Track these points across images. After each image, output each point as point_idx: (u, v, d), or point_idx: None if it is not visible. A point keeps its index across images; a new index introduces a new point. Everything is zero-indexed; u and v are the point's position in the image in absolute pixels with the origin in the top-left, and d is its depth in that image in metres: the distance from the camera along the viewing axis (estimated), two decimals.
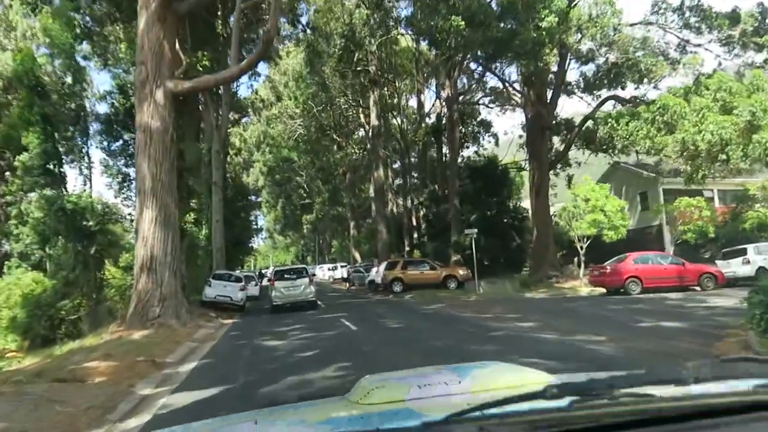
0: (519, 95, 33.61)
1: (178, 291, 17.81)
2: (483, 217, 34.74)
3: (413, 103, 55.37)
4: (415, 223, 45.79)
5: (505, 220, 34.83)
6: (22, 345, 18.62)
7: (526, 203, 38.20)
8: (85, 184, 18.65)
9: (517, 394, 1.29)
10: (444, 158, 44.40)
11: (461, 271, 29.49)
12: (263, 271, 66.93)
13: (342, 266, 60.65)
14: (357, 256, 58.81)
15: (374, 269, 36.36)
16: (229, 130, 49.84)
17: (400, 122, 47.03)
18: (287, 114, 57.51)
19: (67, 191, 17.88)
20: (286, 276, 24.23)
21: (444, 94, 37.98)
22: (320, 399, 2.14)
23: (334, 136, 55.67)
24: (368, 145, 55.92)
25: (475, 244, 34.66)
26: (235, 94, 41.81)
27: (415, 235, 45.78)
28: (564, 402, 1.23)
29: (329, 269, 62.09)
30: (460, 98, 39.52)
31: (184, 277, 20.67)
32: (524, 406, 1.24)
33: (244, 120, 79.93)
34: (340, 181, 66.61)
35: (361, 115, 53.12)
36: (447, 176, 43.61)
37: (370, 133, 40.84)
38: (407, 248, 45.00)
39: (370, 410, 1.60)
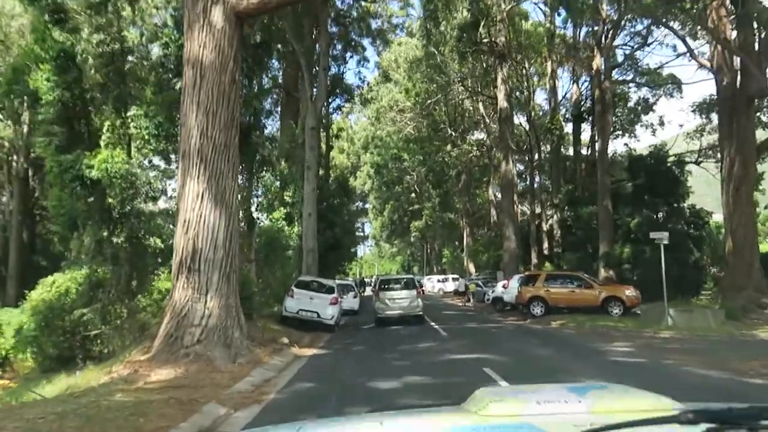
0: (707, 58, 24.94)
1: (232, 303, 11.64)
2: (647, 223, 26.30)
3: (539, 98, 47.39)
4: (545, 231, 37.70)
5: (679, 227, 26.16)
6: (37, 364, 13.55)
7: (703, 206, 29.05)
8: (124, 150, 13.33)
9: (650, 417, 1.24)
10: (588, 150, 36.10)
11: (628, 292, 21.37)
12: (366, 280, 61.09)
13: (454, 278, 53.40)
14: (471, 267, 51.32)
15: (500, 284, 28.91)
16: (333, 123, 44.67)
17: (528, 111, 39.33)
18: (397, 108, 51.46)
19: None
20: (392, 286, 21.44)
21: (593, 67, 29.96)
22: (436, 407, 2.06)
23: (449, 131, 48.78)
24: (487, 141, 48.58)
25: (635, 258, 26.43)
26: (339, 76, 36.24)
27: (546, 245, 37.68)
28: (700, 429, 1.18)
29: (439, 281, 54.99)
30: (614, 72, 31.24)
31: (254, 285, 14.70)
32: (659, 429, 1.20)
33: (350, 117, 75.52)
34: (452, 184, 59.58)
35: (481, 107, 45.86)
36: (588, 173, 35.33)
37: (497, 117, 33.46)
38: (534, 260, 37.06)
39: (490, 422, 1.57)
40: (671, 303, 23.45)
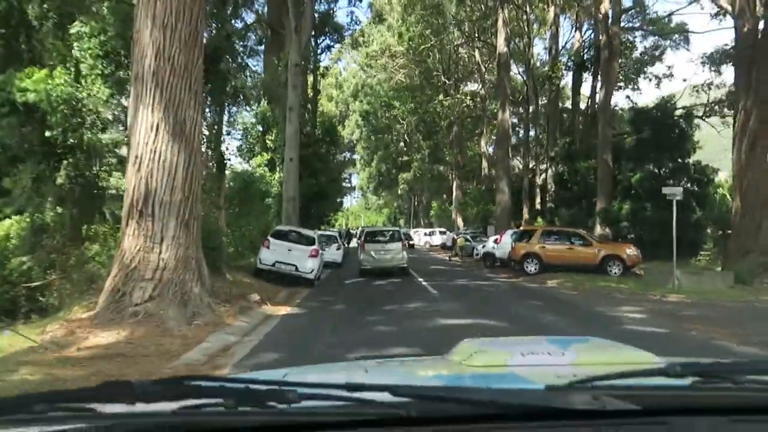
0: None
1: (191, 255, 9.96)
2: (650, 178, 24.82)
3: (536, 49, 45.07)
4: (539, 185, 36.16)
5: (682, 184, 24.70)
6: None
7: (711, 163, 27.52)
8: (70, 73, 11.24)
9: (636, 369, 1.26)
10: (589, 102, 34.24)
11: (629, 251, 19.99)
12: (352, 231, 59.64)
13: (441, 232, 52.05)
14: (459, 221, 49.97)
15: (491, 239, 27.51)
16: (321, 64, 42.12)
17: (527, 60, 37.13)
18: (389, 53, 48.90)
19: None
20: (377, 239, 21.23)
21: (601, 10, 27.81)
22: (420, 357, 2.16)
23: (443, 79, 46.49)
24: (482, 91, 46.43)
25: (634, 216, 25.00)
26: (329, 13, 33.72)
27: (538, 200, 36.22)
28: (686, 381, 1.19)
29: (426, 234, 53.67)
30: (623, 18, 29.09)
31: (224, 234, 12.97)
32: (645, 381, 1.20)
33: (339, 63, 72.39)
34: (443, 136, 57.64)
35: (477, 54, 43.51)
36: (587, 126, 33.63)
37: (496, 64, 31.37)
38: (526, 216, 35.69)
39: (475, 371, 1.58)
40: (664, 262, 22.28)
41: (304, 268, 15.59)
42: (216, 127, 11.90)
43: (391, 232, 22.31)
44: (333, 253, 23.69)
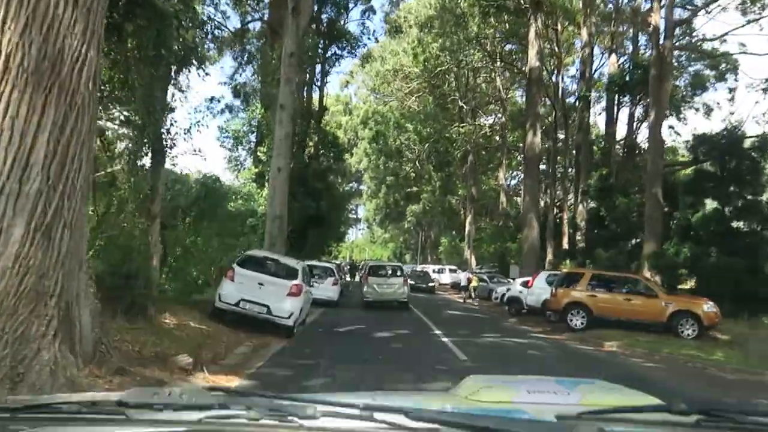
0: None
1: (52, 287, 5.50)
2: (713, 218, 20.32)
3: (565, 75, 41.15)
4: (567, 222, 31.63)
5: (755, 227, 20.20)
6: None
7: None
8: None
9: (646, 404, 1.32)
10: (629, 130, 29.99)
11: (706, 307, 15.30)
12: (356, 264, 54.83)
13: (452, 270, 47.35)
14: (472, 259, 45.34)
15: (517, 281, 22.89)
16: (328, 77, 38.23)
17: (555, 83, 33.11)
18: (402, 74, 45.16)
19: None
20: (380, 273, 21.66)
21: (651, 23, 23.78)
22: (425, 391, 2.12)
23: (460, 104, 42.54)
24: (502, 118, 42.39)
25: (693, 262, 20.39)
26: (337, 21, 29.94)
27: (565, 239, 31.66)
28: (690, 419, 1.18)
29: (435, 272, 48.86)
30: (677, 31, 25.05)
31: (153, 255, 8.44)
32: (653, 417, 1.20)
33: (348, 89, 68.91)
34: (456, 167, 53.49)
35: (498, 80, 39.62)
36: (627, 157, 29.36)
37: (527, 78, 27.26)
38: (550, 256, 31.13)
39: (482, 406, 1.54)
40: (739, 321, 17.60)
41: (280, 310, 11.04)
42: (147, 91, 8.01)
43: (393, 268, 22.89)
44: (326, 289, 19.14)
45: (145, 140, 8.22)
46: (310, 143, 30.26)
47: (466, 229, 46.79)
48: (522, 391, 1.67)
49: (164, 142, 8.83)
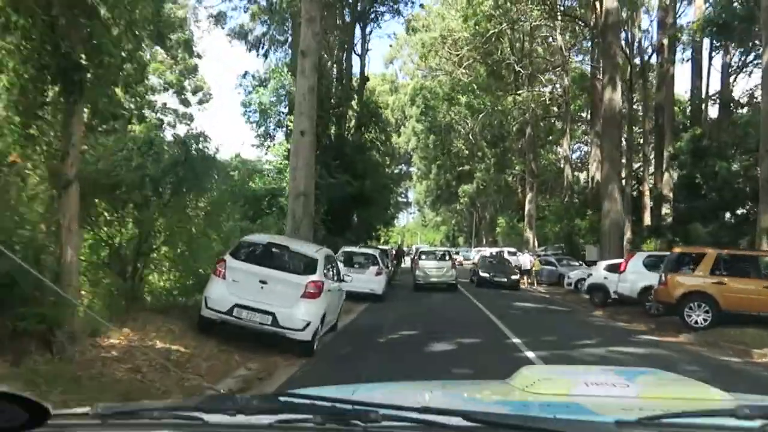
0: None
1: None
2: None
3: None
4: (650, 194, 26.96)
5: None
6: None
7: None
8: None
9: (705, 408, 1.24)
10: (727, 81, 25.02)
11: None
12: (405, 249, 51.26)
13: (510, 252, 43.03)
14: (532, 239, 40.95)
15: (600, 265, 18.69)
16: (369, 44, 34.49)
17: (632, 26, 28.21)
18: (451, 39, 40.88)
19: None
20: (430, 257, 22.61)
21: None
22: (481, 381, 2.08)
23: (517, 68, 37.99)
24: (566, 81, 37.56)
25: None
26: None
27: (647, 213, 27.04)
28: (756, 423, 1.13)
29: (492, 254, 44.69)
30: None
31: (42, 246, 5.15)
32: (715, 421, 1.17)
33: (394, 64, 64.88)
34: (512, 141, 48.91)
35: (559, 38, 34.86)
36: (722, 114, 24.47)
37: (601, 24, 22.74)
38: (628, 234, 26.66)
39: (539, 399, 1.54)
40: None
41: (291, 319, 7.51)
42: None
43: (442, 252, 24.09)
44: (369, 280, 15.62)
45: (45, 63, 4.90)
46: (351, 114, 26.75)
47: (526, 207, 42.30)
48: (580, 384, 1.61)
49: (82, 67, 5.42)
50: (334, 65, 25.76)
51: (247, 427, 1.13)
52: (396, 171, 79.22)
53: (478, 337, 10.15)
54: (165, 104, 51.04)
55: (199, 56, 41.58)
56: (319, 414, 1.11)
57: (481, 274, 23.58)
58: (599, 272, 17.96)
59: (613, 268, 17.52)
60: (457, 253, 40.94)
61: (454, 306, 16.44)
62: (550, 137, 50.54)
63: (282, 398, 1.22)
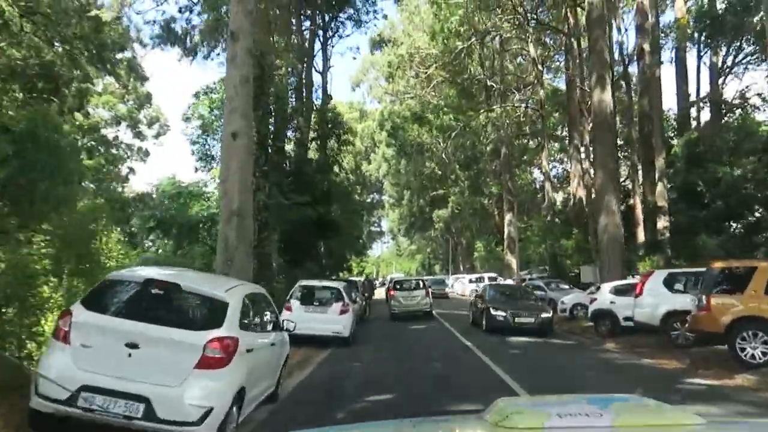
0: None
1: None
2: None
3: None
4: (641, 206, 24.46)
5: None
6: None
7: None
8: None
9: None
10: (716, 82, 22.98)
11: None
12: (373, 281, 48.02)
13: (491, 278, 40.24)
14: (513, 262, 38.29)
15: (605, 287, 15.87)
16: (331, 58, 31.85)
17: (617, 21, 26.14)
18: (419, 57, 38.72)
19: None
20: (404, 286, 22.39)
21: None
22: (455, 416, 2.11)
23: (489, 83, 35.85)
24: (541, 93, 35.44)
25: None
26: None
27: (640, 230, 24.52)
28: None
29: (472, 281, 41.87)
30: None
31: None
32: None
33: (362, 89, 62.64)
34: (485, 162, 46.68)
35: (531, 49, 32.81)
36: (714, 117, 22.39)
37: (586, 19, 20.50)
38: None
39: None
40: None
41: (177, 407, 4.44)
42: None
43: (416, 281, 23.66)
44: (330, 320, 12.51)
45: None
46: (312, 127, 23.93)
47: (505, 230, 39.73)
48: (553, 416, 1.56)
49: None
50: (291, 77, 22.99)
51: None
52: (368, 200, 76.74)
53: (477, 398, 7.11)
54: (116, 137, 47.70)
55: (144, 78, 38.32)
56: None
57: (493, 312, 15.28)
58: (604, 296, 15.16)
59: (622, 291, 14.79)
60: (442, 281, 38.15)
61: (437, 345, 13.40)
62: (525, 156, 48.53)
63: None
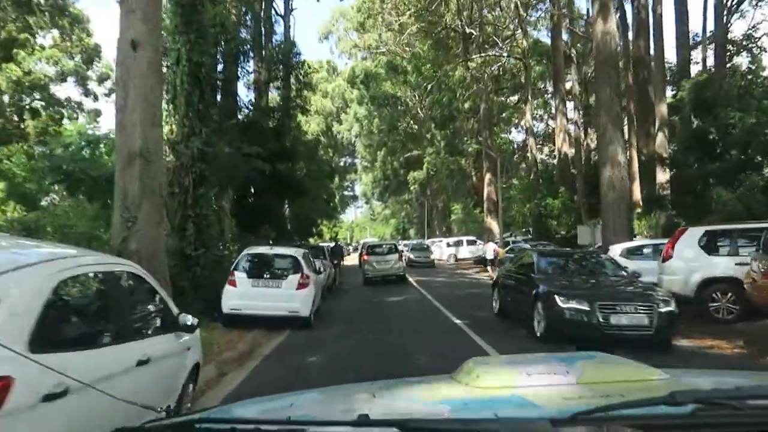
0: None
1: None
2: None
3: None
4: (635, 160, 22.12)
5: None
6: None
7: None
8: None
9: (641, 398, 1.18)
10: (721, 21, 20.43)
11: None
12: (348, 246, 45.36)
13: (470, 241, 37.97)
14: (494, 225, 36.01)
15: (612, 251, 13.46)
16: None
17: None
18: (391, 2, 35.36)
19: None
20: (377, 251, 21.85)
21: None
22: (427, 376, 2.01)
23: (467, 31, 32.79)
24: (524, 42, 32.57)
25: None
26: None
27: (636, 186, 22.24)
28: (687, 409, 1.14)
29: (449, 245, 39.59)
30: None
31: None
32: (647, 410, 1.15)
33: (330, 40, 58.80)
34: (462, 121, 43.92)
35: None
36: (718, 61, 19.96)
37: None
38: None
39: (481, 394, 1.53)
40: None
41: None
42: None
43: (389, 246, 22.91)
44: (288, 296, 9.80)
45: None
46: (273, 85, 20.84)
47: (485, 191, 37.27)
48: (522, 374, 1.62)
49: None
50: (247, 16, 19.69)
51: None
52: (341, 164, 73.50)
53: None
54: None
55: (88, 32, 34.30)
56: None
57: (565, 305, 8.02)
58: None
59: (635, 254, 12.41)
60: (426, 247, 34.97)
61: (421, 324, 10.83)
62: (504, 114, 45.87)
63: (199, 425, 1.09)
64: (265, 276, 10.08)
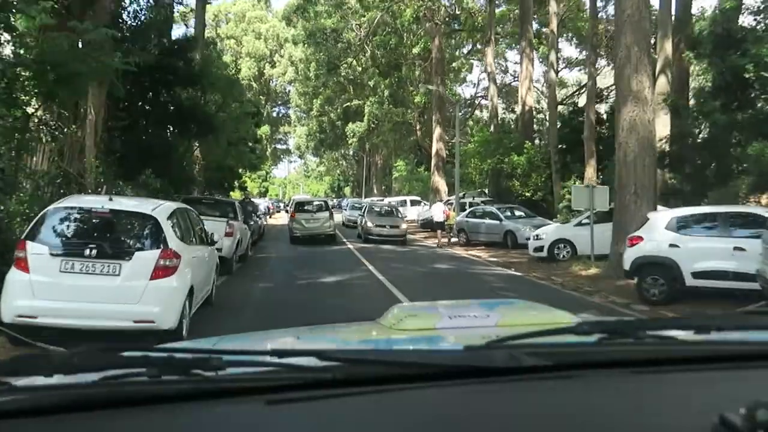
0: None
1: None
2: None
3: None
4: None
5: None
6: None
7: None
8: None
9: (549, 328, 1.24)
10: None
11: None
12: (285, 202, 40.23)
13: (414, 202, 33.73)
14: (442, 185, 31.86)
15: (653, 220, 9.30)
16: None
17: None
18: None
19: None
20: (306, 208, 20.70)
21: None
22: (352, 322, 1.99)
23: None
24: None
25: None
26: None
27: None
28: (593, 338, 1.19)
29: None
30: None
31: None
32: (556, 339, 1.21)
33: None
34: (409, 70, 38.98)
35: None
36: None
37: None
38: (590, 173, 18.44)
39: (404, 335, 1.57)
40: None
41: None
42: None
43: (319, 203, 21.83)
44: (135, 290, 4.97)
45: None
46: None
47: (433, 146, 32.88)
48: (444, 317, 1.68)
49: None
50: None
51: (65, 387, 0.93)
52: (273, 114, 66.92)
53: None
54: None
55: None
56: (153, 366, 0.93)
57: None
58: (659, 235, 8.59)
59: (690, 225, 8.36)
60: (392, 210, 26.38)
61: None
62: (454, 64, 41.35)
63: (108, 352, 1.02)
64: (89, 253, 5.14)
